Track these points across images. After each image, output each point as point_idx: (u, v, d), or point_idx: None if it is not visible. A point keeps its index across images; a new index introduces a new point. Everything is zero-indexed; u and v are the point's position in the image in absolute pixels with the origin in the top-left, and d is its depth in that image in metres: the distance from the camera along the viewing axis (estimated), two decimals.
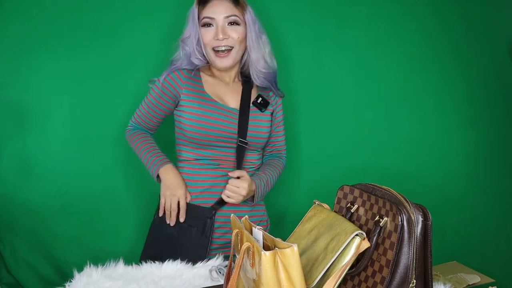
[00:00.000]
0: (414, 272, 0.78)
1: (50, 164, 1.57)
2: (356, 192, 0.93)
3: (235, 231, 0.84)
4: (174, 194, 1.27)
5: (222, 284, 0.97)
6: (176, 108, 1.32)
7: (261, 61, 1.33)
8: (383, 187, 0.89)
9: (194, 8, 1.29)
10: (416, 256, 0.78)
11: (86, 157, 1.60)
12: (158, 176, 1.31)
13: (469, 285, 1.56)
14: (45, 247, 1.58)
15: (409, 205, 0.81)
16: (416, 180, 1.81)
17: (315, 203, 0.98)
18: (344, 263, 0.80)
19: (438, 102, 1.88)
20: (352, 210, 0.92)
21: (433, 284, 0.83)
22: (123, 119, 1.62)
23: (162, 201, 1.29)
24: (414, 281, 0.78)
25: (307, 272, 0.82)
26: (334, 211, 0.97)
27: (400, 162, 1.83)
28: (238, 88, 1.36)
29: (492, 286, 1.35)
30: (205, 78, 1.33)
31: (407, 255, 0.78)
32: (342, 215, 0.93)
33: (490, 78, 1.93)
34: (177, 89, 1.30)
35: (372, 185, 0.93)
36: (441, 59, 1.87)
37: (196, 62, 1.31)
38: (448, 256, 1.78)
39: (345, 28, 1.77)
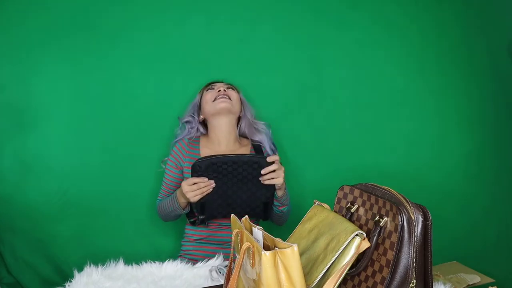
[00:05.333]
0: (414, 272, 0.78)
1: (50, 164, 1.58)
2: (356, 192, 0.93)
3: (235, 231, 0.84)
4: (188, 191, 1.29)
5: (222, 284, 0.97)
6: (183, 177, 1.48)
7: (252, 117, 1.56)
8: (383, 187, 0.89)
9: (198, 95, 1.54)
10: (416, 256, 0.78)
11: (86, 157, 1.60)
12: (184, 207, 1.39)
13: (469, 285, 1.56)
14: (45, 247, 1.58)
15: (409, 205, 0.81)
16: (416, 180, 1.81)
17: (315, 203, 0.98)
18: (344, 263, 0.80)
19: (438, 102, 1.88)
20: (352, 210, 0.92)
21: (433, 284, 0.83)
22: (123, 119, 1.62)
23: (193, 194, 1.29)
24: (414, 281, 0.78)
25: (307, 272, 0.82)
26: (334, 211, 0.97)
27: (400, 162, 1.83)
28: (235, 151, 1.50)
29: (492, 286, 1.35)
30: (203, 150, 1.50)
31: (407, 255, 0.78)
32: (342, 215, 0.93)
33: (490, 78, 1.93)
34: (182, 158, 1.48)
35: (372, 185, 0.93)
36: (441, 59, 1.87)
37: (193, 133, 1.53)
38: (448, 256, 1.77)
39: (345, 28, 1.77)
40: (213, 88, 1.51)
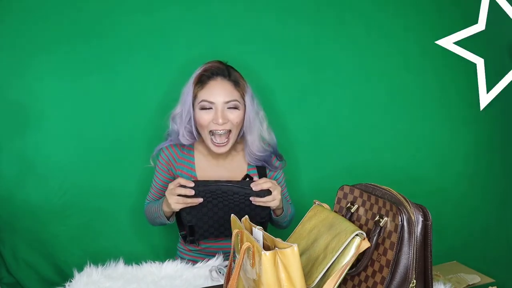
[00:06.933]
0: (414, 272, 0.78)
1: (50, 164, 1.58)
2: (356, 192, 0.93)
3: (235, 231, 0.84)
4: (170, 194, 1.19)
5: (222, 284, 0.97)
6: None
7: (256, 142, 1.32)
8: (383, 187, 0.90)
9: (190, 87, 1.26)
10: (416, 256, 0.78)
11: (86, 157, 1.60)
12: (169, 217, 1.29)
13: (469, 285, 1.56)
14: (45, 247, 1.59)
15: (409, 205, 0.81)
16: (416, 180, 1.81)
17: (315, 203, 0.98)
18: (344, 263, 0.80)
19: (438, 102, 1.88)
20: (352, 210, 0.92)
21: (433, 284, 0.83)
22: (123, 119, 1.62)
23: (175, 200, 1.17)
24: (414, 281, 0.78)
25: (307, 272, 0.82)
26: (334, 211, 0.97)
27: (400, 162, 1.83)
28: (230, 165, 1.37)
29: (492, 286, 1.35)
30: (198, 156, 1.37)
31: (407, 255, 0.78)
32: (342, 215, 0.93)
33: (491, 78, 1.93)
34: (174, 165, 1.36)
35: (372, 185, 0.93)
36: (441, 59, 1.87)
37: (183, 141, 1.31)
38: (448, 256, 1.77)
39: (345, 27, 1.77)
40: (211, 108, 1.24)
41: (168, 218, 1.29)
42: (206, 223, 1.24)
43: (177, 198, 1.17)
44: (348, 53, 1.78)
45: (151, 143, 1.61)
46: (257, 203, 1.19)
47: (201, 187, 1.18)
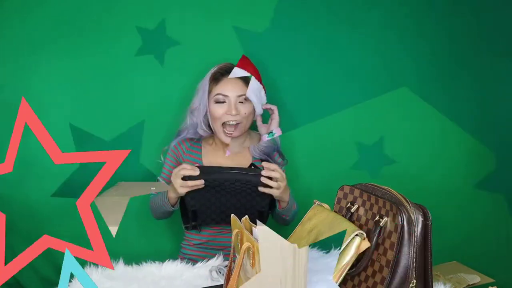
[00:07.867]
0: (414, 272, 0.78)
1: (50, 164, 1.56)
2: (356, 192, 0.93)
3: (235, 231, 0.84)
4: (176, 177, 1.24)
5: (222, 284, 0.97)
6: None
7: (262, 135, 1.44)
8: (383, 187, 0.90)
9: (206, 82, 1.38)
10: (416, 256, 0.78)
11: None
12: (173, 204, 1.34)
13: (469, 285, 1.56)
14: None
15: (409, 205, 0.81)
16: (416, 180, 1.81)
17: (315, 203, 0.98)
18: (344, 263, 0.80)
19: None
20: (352, 210, 0.92)
21: (433, 284, 0.84)
22: (123, 118, 1.62)
23: (179, 184, 1.24)
24: (414, 281, 0.78)
25: None
26: (334, 211, 0.97)
27: (400, 162, 1.83)
28: (236, 157, 1.44)
29: (492, 286, 1.35)
30: (206, 148, 1.46)
31: (407, 255, 0.78)
32: (342, 215, 0.93)
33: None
34: (182, 156, 1.44)
35: (372, 185, 0.93)
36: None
37: (201, 133, 1.42)
38: (448, 256, 1.77)
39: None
40: (224, 101, 1.36)
41: (172, 206, 1.35)
42: (209, 208, 1.30)
43: (182, 181, 1.23)
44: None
45: (151, 142, 1.62)
46: (262, 190, 1.25)
47: (205, 175, 1.23)
